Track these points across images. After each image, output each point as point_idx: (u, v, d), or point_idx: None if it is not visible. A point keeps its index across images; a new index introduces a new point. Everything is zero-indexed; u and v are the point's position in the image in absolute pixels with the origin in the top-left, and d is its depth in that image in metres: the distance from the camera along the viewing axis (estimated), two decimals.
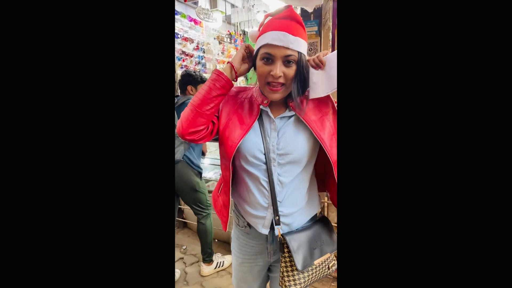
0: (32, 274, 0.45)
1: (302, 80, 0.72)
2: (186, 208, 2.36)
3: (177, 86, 1.95)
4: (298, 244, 0.76)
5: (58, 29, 0.46)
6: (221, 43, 4.05)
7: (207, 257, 1.93)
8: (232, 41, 4.25)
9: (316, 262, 0.78)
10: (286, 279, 0.77)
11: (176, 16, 3.12)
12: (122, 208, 0.49)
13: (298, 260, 0.75)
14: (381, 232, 0.47)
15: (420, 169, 0.46)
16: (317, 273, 0.80)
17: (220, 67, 4.13)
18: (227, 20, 3.91)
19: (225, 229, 0.85)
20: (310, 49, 1.78)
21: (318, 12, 1.67)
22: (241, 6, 3.47)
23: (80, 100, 0.47)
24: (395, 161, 0.47)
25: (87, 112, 0.48)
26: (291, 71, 0.70)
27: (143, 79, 0.50)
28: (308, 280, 0.78)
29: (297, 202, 0.80)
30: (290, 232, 0.78)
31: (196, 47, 3.48)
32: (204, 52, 3.62)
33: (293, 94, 0.72)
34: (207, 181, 2.24)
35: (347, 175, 0.50)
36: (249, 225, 0.84)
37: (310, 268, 0.78)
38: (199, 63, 3.56)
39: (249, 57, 0.77)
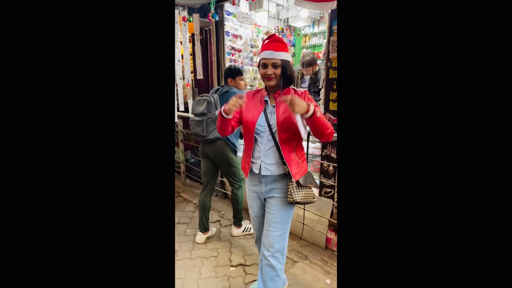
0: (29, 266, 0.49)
1: (285, 75, 1.24)
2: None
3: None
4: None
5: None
6: None
7: (237, 221, 2.33)
8: (281, 35, 4.53)
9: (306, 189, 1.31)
10: (292, 193, 1.27)
11: (228, 17, 3.53)
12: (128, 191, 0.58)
13: (299, 182, 1.29)
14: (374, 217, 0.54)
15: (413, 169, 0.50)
16: (307, 195, 1.30)
17: None
18: (275, 16, 4.19)
19: (247, 176, 1.42)
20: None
21: None
22: (285, 4, 3.71)
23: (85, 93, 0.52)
24: (393, 161, 0.53)
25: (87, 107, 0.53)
26: (278, 71, 1.22)
27: (144, 78, 0.58)
28: (303, 196, 1.28)
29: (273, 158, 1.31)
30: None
31: (244, 43, 3.88)
32: (252, 47, 3.99)
33: (279, 86, 1.26)
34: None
35: (346, 172, 0.59)
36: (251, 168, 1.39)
37: (304, 188, 1.30)
38: (246, 57, 3.95)
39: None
